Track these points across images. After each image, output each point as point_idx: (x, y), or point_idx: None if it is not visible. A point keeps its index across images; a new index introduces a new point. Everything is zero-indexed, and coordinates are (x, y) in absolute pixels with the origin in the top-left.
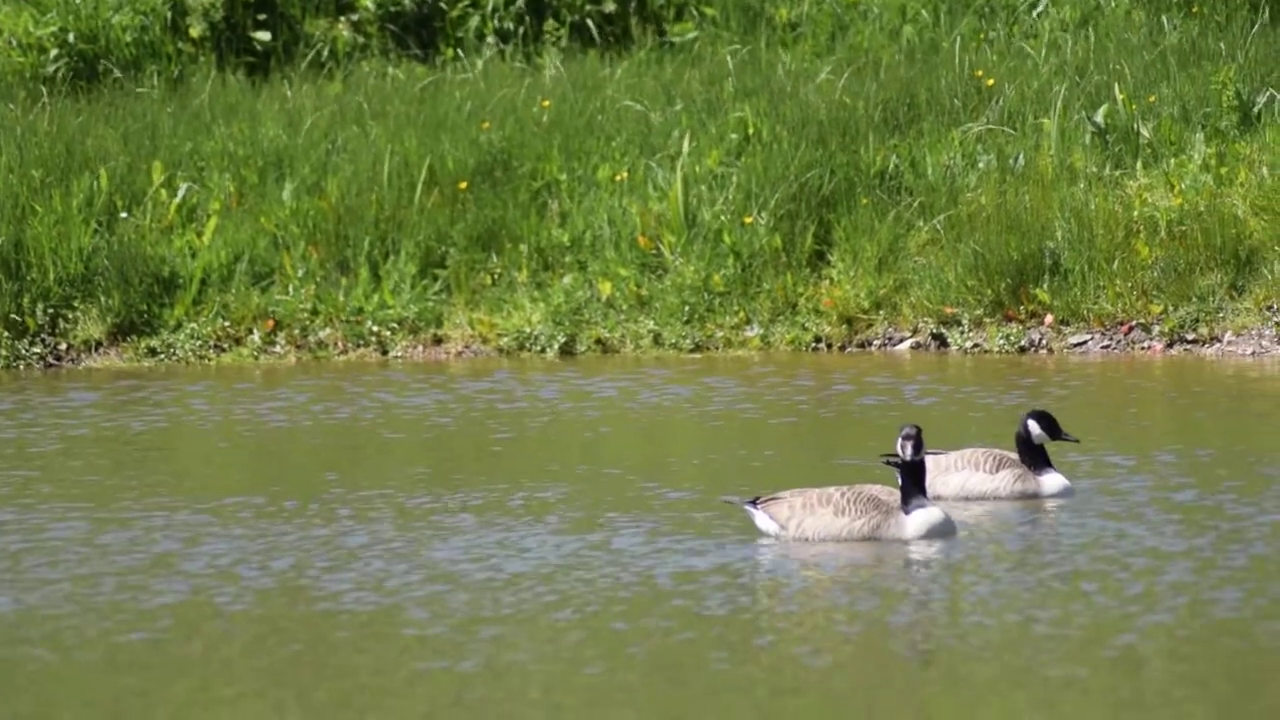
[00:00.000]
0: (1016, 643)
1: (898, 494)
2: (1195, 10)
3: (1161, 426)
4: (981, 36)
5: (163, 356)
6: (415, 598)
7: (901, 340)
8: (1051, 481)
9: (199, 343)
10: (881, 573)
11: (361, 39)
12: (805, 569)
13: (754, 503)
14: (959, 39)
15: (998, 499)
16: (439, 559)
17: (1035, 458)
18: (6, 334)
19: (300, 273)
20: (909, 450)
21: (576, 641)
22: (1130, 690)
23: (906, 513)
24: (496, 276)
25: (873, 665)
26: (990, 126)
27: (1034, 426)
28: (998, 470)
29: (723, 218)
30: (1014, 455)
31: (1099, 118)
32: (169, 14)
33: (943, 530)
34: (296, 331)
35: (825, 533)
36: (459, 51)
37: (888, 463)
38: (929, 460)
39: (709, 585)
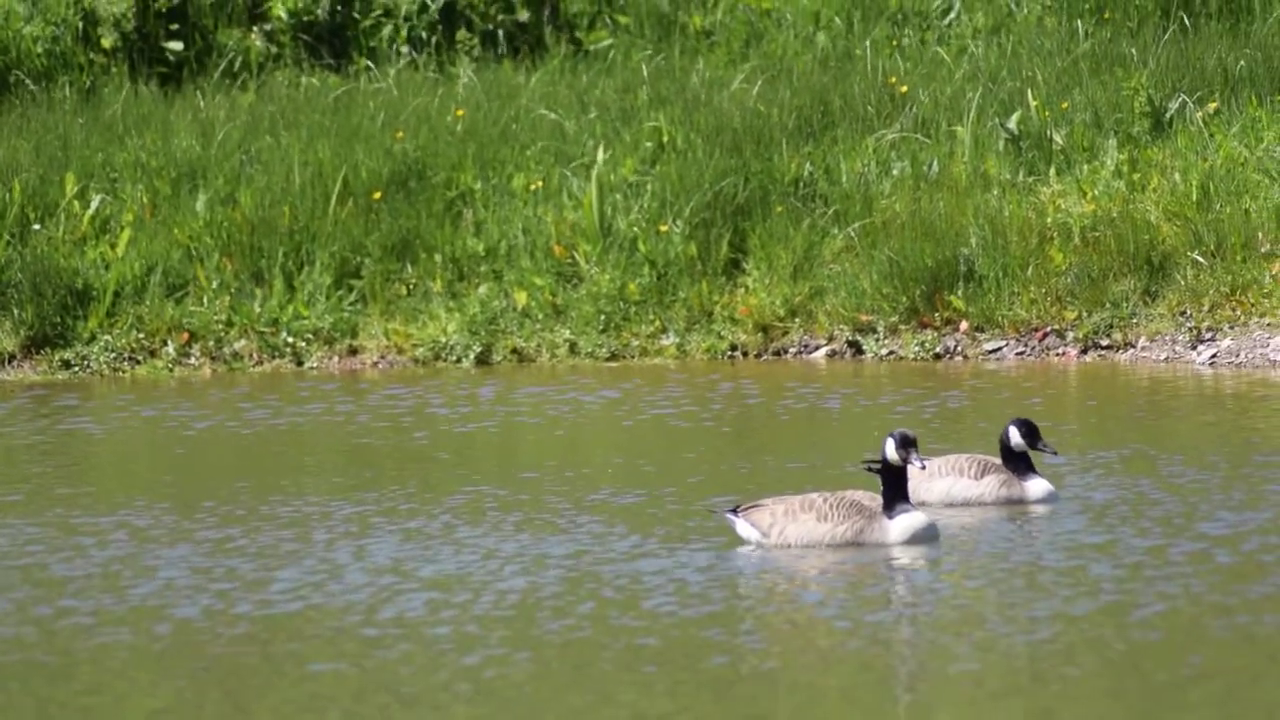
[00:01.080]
0: (996, 648)
1: (880, 499)
2: (1107, 17)
3: (1090, 430)
4: (895, 43)
5: (77, 369)
6: (344, 603)
7: (817, 348)
8: (1036, 487)
9: (113, 355)
10: (862, 578)
11: (274, 49)
12: (777, 574)
13: (735, 510)
14: (872, 46)
15: (983, 504)
16: (377, 564)
17: (1019, 464)
18: None
19: (214, 284)
20: (910, 454)
21: (523, 644)
22: (1113, 695)
23: (890, 518)
24: (412, 286)
25: (848, 670)
26: (904, 134)
27: (1014, 433)
28: (982, 476)
29: (638, 226)
30: (999, 461)
31: (1012, 124)
32: (80, 25)
33: (926, 535)
34: (211, 343)
35: (808, 539)
36: (372, 61)
37: (869, 468)
38: (914, 467)
39: (685, 590)
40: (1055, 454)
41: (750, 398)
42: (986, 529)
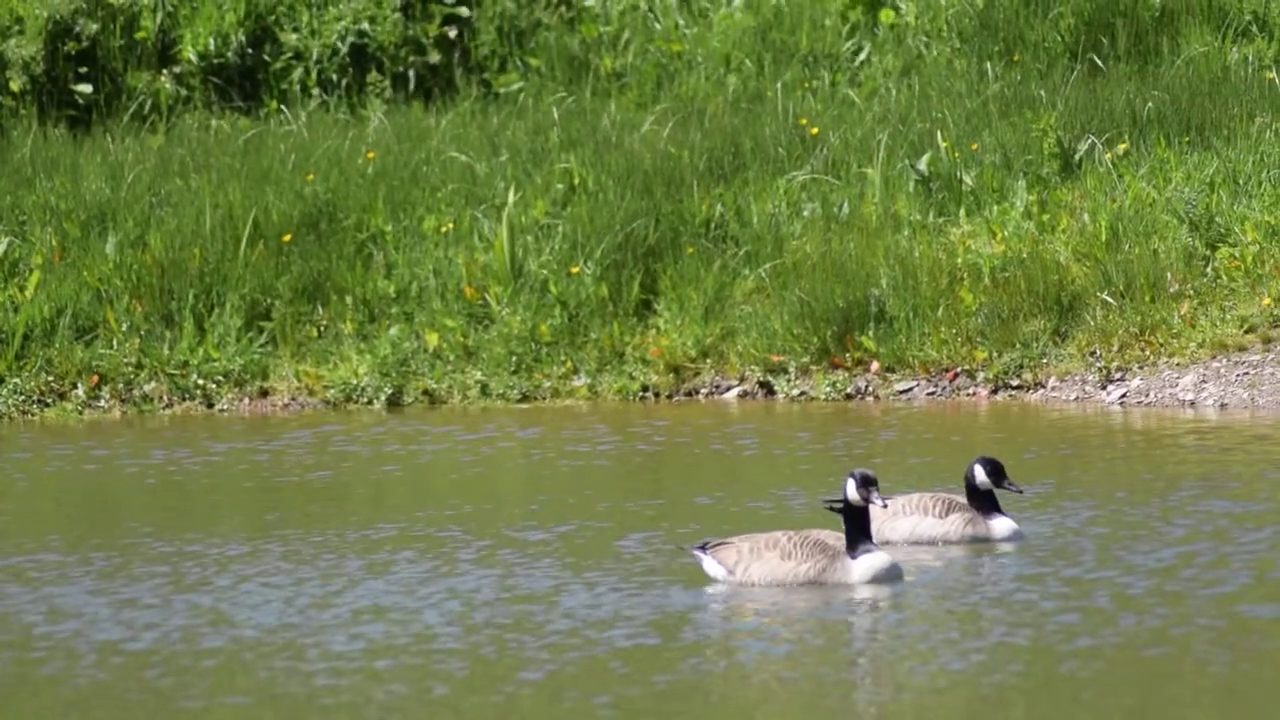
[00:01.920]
0: (954, 690)
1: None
2: (1016, 59)
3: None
4: (806, 85)
5: None
6: (255, 637)
7: (729, 389)
8: (1001, 526)
9: (22, 398)
10: (821, 619)
11: (184, 91)
12: (709, 608)
13: (703, 548)
14: (783, 88)
15: (948, 543)
16: (292, 600)
17: (983, 502)
18: None
19: (124, 326)
20: (871, 493)
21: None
22: None
23: (853, 558)
24: (323, 328)
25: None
26: (815, 175)
27: (979, 472)
28: (947, 514)
29: (549, 268)
30: (964, 499)
31: (922, 165)
32: None
33: (888, 575)
34: (121, 385)
35: (771, 577)
36: (282, 104)
37: (830, 507)
38: (876, 506)
39: (607, 623)
40: (1021, 492)
41: (662, 438)
42: (948, 568)
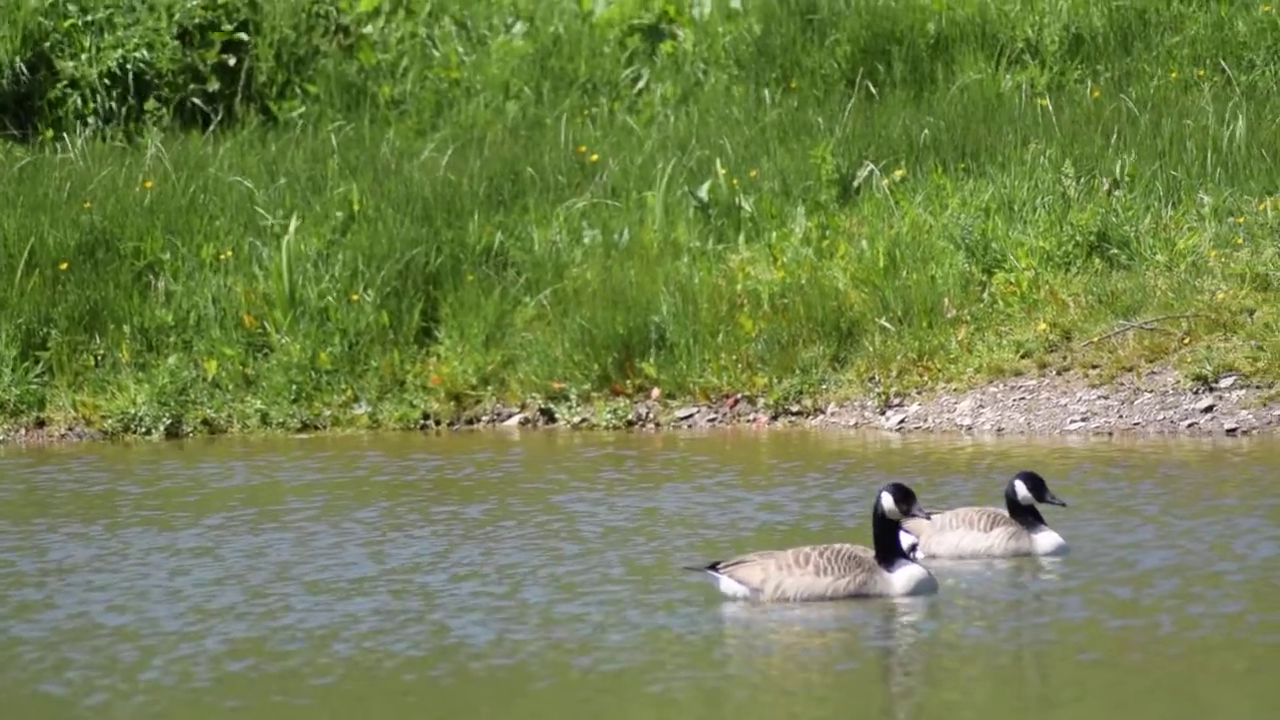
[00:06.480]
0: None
1: (871, 551)
2: (794, 86)
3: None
4: (585, 113)
5: None
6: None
7: (510, 416)
8: (1045, 540)
9: None
10: (839, 633)
11: None
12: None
13: (714, 567)
14: (563, 115)
15: (992, 557)
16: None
17: (1027, 517)
18: None
19: None
20: (912, 508)
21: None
22: None
23: (890, 571)
24: (100, 358)
25: None
26: (595, 201)
27: (1020, 488)
28: (991, 528)
29: (329, 295)
30: (1008, 513)
31: (702, 192)
32: None
33: (927, 587)
34: None
35: (808, 592)
36: (59, 131)
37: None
38: (922, 520)
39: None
40: (1064, 505)
41: (441, 465)
42: (984, 581)
